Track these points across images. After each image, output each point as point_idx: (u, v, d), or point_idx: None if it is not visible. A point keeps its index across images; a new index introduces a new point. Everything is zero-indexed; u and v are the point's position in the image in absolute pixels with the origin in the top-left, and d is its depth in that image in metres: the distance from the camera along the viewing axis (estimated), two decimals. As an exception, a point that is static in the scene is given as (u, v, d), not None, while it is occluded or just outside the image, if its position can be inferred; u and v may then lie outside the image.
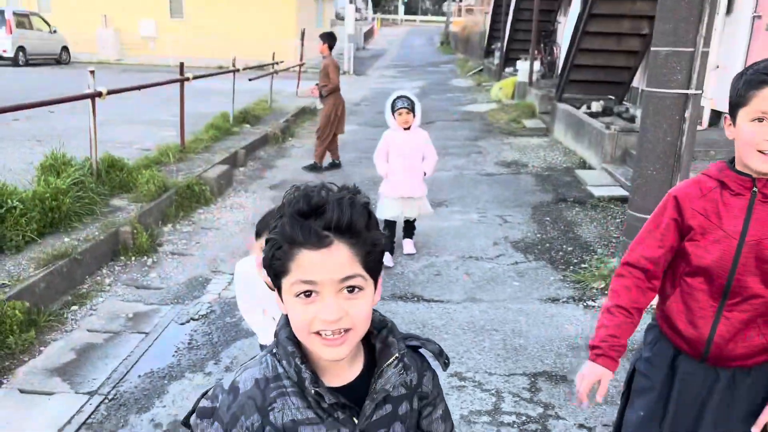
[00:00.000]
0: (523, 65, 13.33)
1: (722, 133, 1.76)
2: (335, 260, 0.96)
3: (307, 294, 0.97)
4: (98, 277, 4.46)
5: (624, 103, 9.68)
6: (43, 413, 2.97)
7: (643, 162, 4.12)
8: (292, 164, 8.39)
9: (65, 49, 20.75)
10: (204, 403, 1.07)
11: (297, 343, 1.04)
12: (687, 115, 3.89)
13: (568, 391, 3.11)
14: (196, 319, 3.92)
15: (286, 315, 1.05)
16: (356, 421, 1.05)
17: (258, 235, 2.35)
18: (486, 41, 21.97)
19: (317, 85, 7.96)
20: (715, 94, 7.27)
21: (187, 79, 7.71)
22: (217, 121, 9.37)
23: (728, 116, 1.64)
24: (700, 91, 3.90)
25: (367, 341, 1.10)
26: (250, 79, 10.29)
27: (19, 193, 4.48)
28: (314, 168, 7.98)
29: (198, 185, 6.24)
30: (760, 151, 1.54)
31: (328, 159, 8.18)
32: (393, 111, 4.56)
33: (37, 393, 3.12)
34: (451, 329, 3.78)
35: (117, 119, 9.33)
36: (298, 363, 1.02)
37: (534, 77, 13.17)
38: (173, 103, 7.78)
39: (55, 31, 20.29)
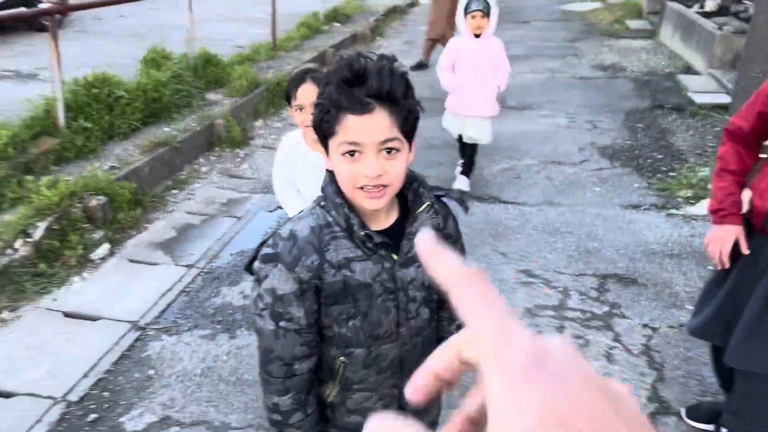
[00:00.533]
0: (633, -41, 12.16)
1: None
2: (377, 124, 1.09)
3: (352, 153, 1.12)
4: (196, 166, 4.81)
5: (744, 1, 8.74)
6: (149, 280, 3.37)
7: (749, 63, 3.82)
8: (379, 64, 8.34)
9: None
10: (266, 250, 1.24)
11: (343, 196, 1.19)
12: (807, 10, 3.52)
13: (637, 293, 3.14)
14: (282, 208, 4.19)
15: (331, 172, 1.20)
16: (395, 257, 1.24)
17: (288, 97, 2.29)
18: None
19: None
20: None
21: (279, -26, 7.69)
22: (308, 19, 9.37)
23: None
24: (826, -17, 3.49)
25: (401, 193, 1.24)
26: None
27: (125, 84, 4.81)
28: (420, 66, 7.67)
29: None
30: None
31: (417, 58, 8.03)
32: (465, 13, 3.93)
33: (144, 263, 3.52)
34: (525, 230, 3.83)
35: (214, 16, 9.55)
36: (347, 212, 1.19)
37: (645, -27, 12.03)
38: (268, 1, 7.84)
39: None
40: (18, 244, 3.27)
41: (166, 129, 4.88)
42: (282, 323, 1.22)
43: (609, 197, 4.25)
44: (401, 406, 1.37)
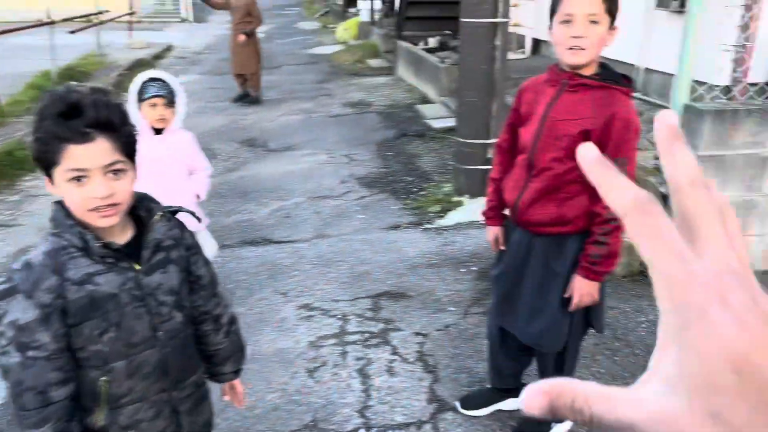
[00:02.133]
0: (364, 5, 13.38)
1: (544, 60, 2.10)
2: (99, 151, 1.18)
3: (79, 179, 1.19)
4: None
5: (458, 37, 10.11)
6: None
7: (464, 90, 4.42)
8: (130, 121, 7.92)
9: None
10: (1, 287, 1.19)
11: (74, 218, 1.24)
12: (497, 42, 4.21)
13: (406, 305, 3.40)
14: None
15: (58, 201, 1.23)
16: (138, 266, 1.31)
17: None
18: (329, -18, 21.61)
19: (238, 27, 8.04)
20: (536, 24, 7.84)
21: (-7, 34, 6.91)
22: (38, 80, 8.54)
23: (549, 24, 1.96)
24: (507, 20, 4.22)
25: (133, 211, 1.33)
26: (72, 32, 9.42)
27: None
28: (256, 101, 8.37)
29: (20, 150, 5.74)
30: (568, 48, 1.85)
31: (237, 90, 8.63)
32: (140, 100, 2.78)
33: None
34: (301, 266, 3.92)
35: None
36: (81, 230, 1.23)
37: (377, 16, 13.29)
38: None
39: None
40: None
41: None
42: (30, 353, 1.20)
43: (372, 222, 4.56)
44: (174, 410, 1.42)
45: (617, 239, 1.96)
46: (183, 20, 20.02)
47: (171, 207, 1.43)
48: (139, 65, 11.29)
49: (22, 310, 1.18)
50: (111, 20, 12.93)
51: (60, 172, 1.18)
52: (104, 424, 1.33)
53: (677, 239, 0.29)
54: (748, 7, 3.78)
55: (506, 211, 2.23)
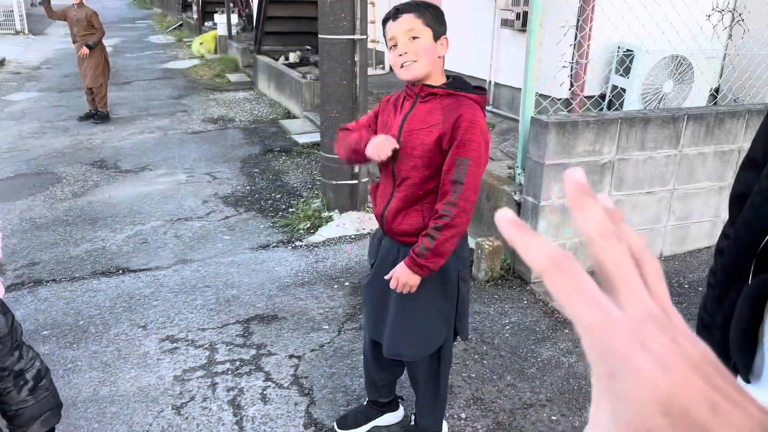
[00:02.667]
0: (221, 19, 13.02)
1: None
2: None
3: (394, 45, 1.76)
4: None
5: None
6: None
7: (326, 105, 4.41)
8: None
9: None
10: None
11: None
12: (356, 59, 4.25)
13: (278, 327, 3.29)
14: None
15: None
16: None
17: None
18: (182, -6, 20.79)
19: (81, 39, 7.68)
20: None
21: None
22: None
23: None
24: (364, 36, 4.27)
25: None
26: None
27: None
28: (105, 117, 7.98)
29: None
30: (400, 67, 1.96)
31: (85, 108, 8.19)
32: None
33: None
34: (162, 295, 3.67)
35: None
36: None
37: (234, 31, 12.99)
38: None
39: None
40: None
41: None
42: None
43: (239, 243, 4.39)
44: None
45: (447, 238, 1.95)
46: (17, 32, 18.26)
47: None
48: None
49: None
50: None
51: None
52: None
53: (596, 292, 0.30)
54: (581, 28, 4.14)
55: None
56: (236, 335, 3.24)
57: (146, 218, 4.84)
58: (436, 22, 1.97)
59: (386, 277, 2.08)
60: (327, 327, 3.31)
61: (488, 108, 6.08)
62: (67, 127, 7.69)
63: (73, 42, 7.82)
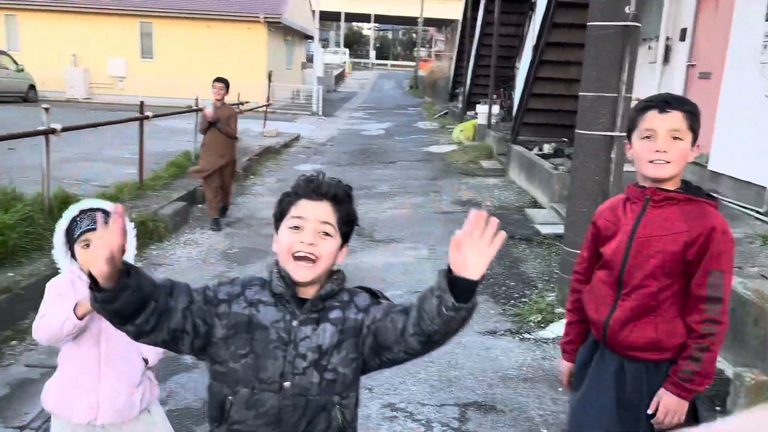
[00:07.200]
0: (482, 108, 13.77)
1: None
2: (321, 209, 1.46)
3: (297, 227, 1.45)
4: (41, 313, 4.44)
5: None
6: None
7: (574, 199, 4.33)
8: (251, 202, 8.48)
9: (32, 87, 20.68)
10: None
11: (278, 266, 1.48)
12: (612, 155, 4.13)
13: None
14: (137, 354, 3.93)
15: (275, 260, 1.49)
16: (298, 312, 1.45)
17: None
18: (451, 85, 22.60)
19: (215, 120, 6.93)
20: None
21: (147, 117, 7.81)
22: (179, 159, 9.45)
23: (627, 141, 1.98)
24: (623, 134, 4.14)
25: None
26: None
27: (-37, 227, 4.48)
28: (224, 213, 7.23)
29: (152, 221, 6.28)
30: (649, 161, 1.86)
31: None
32: (74, 240, 2.07)
33: (-34, 428, 3.09)
34: (390, 362, 3.86)
35: (77, 157, 9.34)
36: (275, 271, 1.47)
37: (494, 120, 13.60)
38: (136, 142, 7.86)
39: (21, 70, 20.26)
40: None
41: (9, 274, 4.53)
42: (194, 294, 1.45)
43: (468, 325, 4.44)
44: None
45: (712, 359, 1.83)
46: (313, 113, 21.58)
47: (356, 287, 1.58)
48: (268, 152, 12.21)
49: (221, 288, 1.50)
50: (250, 110, 14.21)
51: (286, 220, 1.47)
52: None
53: None
54: None
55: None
56: (452, 417, 3.24)
57: (389, 286, 5.20)
58: (698, 127, 1.87)
59: (649, 411, 1.90)
60: (545, 431, 3.13)
61: (760, 215, 5.34)
62: (336, 196, 8.75)
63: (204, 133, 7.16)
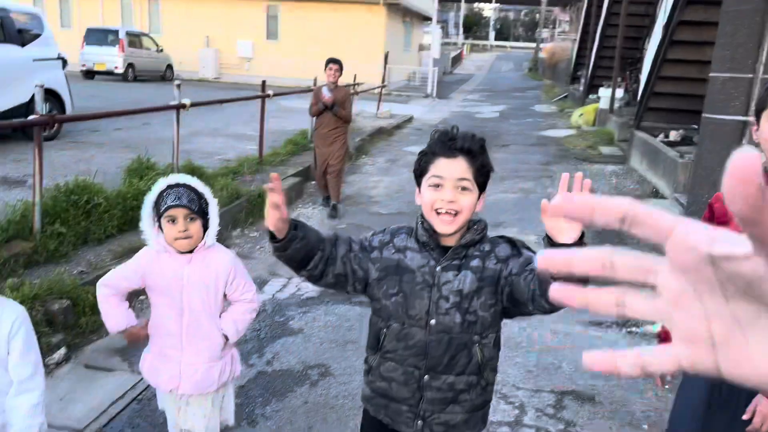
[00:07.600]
0: (605, 92, 13.08)
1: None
2: (457, 166, 1.53)
3: (437, 185, 1.54)
4: (167, 272, 4.85)
5: (707, 132, 9.29)
6: (102, 386, 3.30)
7: (697, 189, 4.03)
8: (362, 180, 8.67)
9: (169, 67, 22.38)
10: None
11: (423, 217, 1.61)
12: (745, 142, 3.79)
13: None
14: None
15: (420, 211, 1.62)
16: (441, 259, 1.58)
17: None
18: (572, 68, 21.65)
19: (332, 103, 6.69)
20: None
21: (268, 95, 8.19)
22: (296, 137, 9.85)
23: (755, 122, 1.72)
24: (759, 119, 3.78)
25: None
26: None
27: (105, 191, 4.97)
28: (336, 209, 6.83)
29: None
30: None
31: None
32: (159, 214, 2.10)
33: (99, 369, 3.47)
34: (488, 344, 3.83)
35: (205, 131, 10.02)
36: (420, 221, 1.61)
37: (617, 104, 12.88)
38: (258, 119, 8.29)
39: (161, 51, 21.96)
40: (-28, 345, 3.24)
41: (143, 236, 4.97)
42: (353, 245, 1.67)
43: (572, 314, 4.30)
44: (420, 388, 1.62)
45: None
46: (427, 96, 21.57)
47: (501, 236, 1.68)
48: (380, 133, 12.40)
49: (374, 237, 1.70)
50: (366, 91, 14.48)
51: (426, 178, 1.56)
52: (374, 365, 1.69)
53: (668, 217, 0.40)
54: None
55: None
56: (548, 404, 3.17)
57: (491, 270, 5.14)
58: None
59: (745, 417, 1.77)
60: (646, 428, 2.98)
61: None
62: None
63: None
